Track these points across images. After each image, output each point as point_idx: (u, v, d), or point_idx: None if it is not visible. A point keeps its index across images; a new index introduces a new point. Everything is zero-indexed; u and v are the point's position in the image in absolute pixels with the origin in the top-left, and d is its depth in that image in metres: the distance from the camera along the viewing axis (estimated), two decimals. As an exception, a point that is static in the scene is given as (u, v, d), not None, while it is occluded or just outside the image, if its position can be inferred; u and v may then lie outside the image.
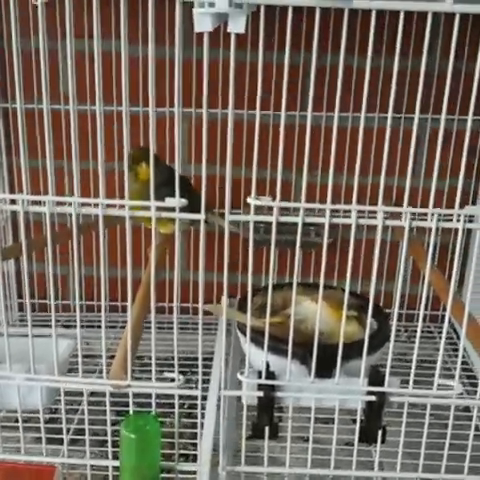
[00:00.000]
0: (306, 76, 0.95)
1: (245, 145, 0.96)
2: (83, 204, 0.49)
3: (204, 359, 0.94)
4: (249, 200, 0.49)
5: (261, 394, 0.55)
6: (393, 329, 0.54)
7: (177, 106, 0.47)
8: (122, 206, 0.50)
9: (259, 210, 0.50)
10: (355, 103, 0.93)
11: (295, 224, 0.49)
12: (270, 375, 0.56)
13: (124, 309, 1.04)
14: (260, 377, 0.55)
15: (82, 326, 0.56)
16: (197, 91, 0.94)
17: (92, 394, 0.63)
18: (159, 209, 0.50)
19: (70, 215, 0.49)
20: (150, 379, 0.57)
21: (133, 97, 0.92)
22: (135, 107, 0.93)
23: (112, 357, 0.56)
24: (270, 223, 0.49)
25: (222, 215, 0.92)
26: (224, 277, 0.54)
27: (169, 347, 0.90)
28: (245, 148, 0.96)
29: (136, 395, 0.57)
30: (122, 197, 0.49)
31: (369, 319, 0.54)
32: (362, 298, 0.72)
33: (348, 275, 0.52)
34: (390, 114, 0.46)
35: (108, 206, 0.49)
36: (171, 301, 1.04)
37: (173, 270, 0.96)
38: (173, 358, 1.07)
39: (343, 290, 0.70)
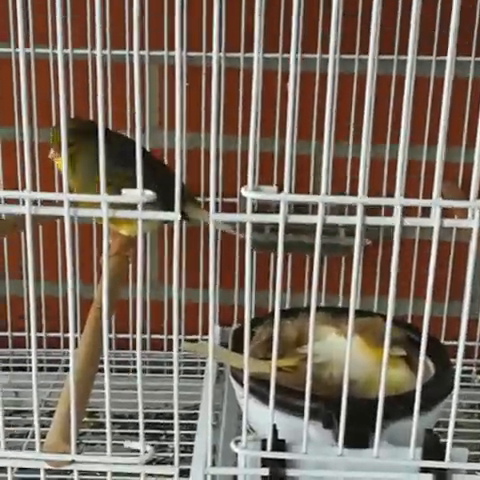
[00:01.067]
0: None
1: (242, 104, 0.96)
2: (6, 200, 0.49)
3: (186, 416, 0.94)
4: (244, 192, 0.49)
5: (266, 473, 0.55)
6: (457, 372, 0.54)
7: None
8: (60, 202, 0.50)
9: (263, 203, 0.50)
10: (401, 41, 0.93)
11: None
12: (279, 444, 0.55)
13: (68, 343, 1.04)
14: (265, 448, 0.55)
15: (6, 369, 0.56)
16: (170, 26, 0.94)
17: (21, 470, 0.63)
18: (113, 206, 0.49)
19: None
20: (104, 450, 0.57)
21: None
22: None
23: (51, 415, 0.56)
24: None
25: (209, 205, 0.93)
26: (210, 299, 0.54)
27: (134, 399, 0.91)
28: (242, 108, 0.96)
29: (84, 473, 0.57)
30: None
31: (422, 360, 0.54)
32: (413, 329, 0.72)
33: (391, 294, 0.52)
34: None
35: (40, 203, 0.49)
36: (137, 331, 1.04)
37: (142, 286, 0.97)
38: (143, 415, 1.08)
39: (384, 317, 0.71)
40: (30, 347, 1.02)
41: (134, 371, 1.03)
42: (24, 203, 0.48)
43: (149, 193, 0.49)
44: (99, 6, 0.44)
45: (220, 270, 0.89)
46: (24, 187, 0.48)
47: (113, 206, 0.49)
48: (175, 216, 0.49)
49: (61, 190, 0.49)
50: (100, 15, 0.44)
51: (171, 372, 1.01)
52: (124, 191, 0.49)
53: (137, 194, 0.49)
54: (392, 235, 0.96)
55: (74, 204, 0.49)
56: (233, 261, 1.01)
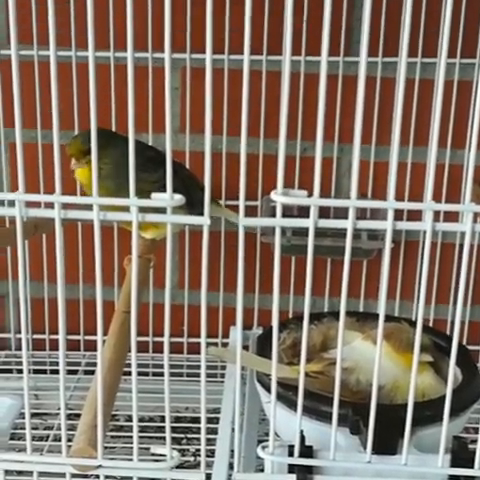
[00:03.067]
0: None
1: (264, 106, 0.96)
2: (29, 203, 0.49)
3: (206, 420, 0.94)
4: (274, 196, 0.49)
5: (293, 479, 0.55)
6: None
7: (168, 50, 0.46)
8: (88, 205, 0.50)
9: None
10: (426, 43, 0.93)
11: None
12: (306, 451, 0.55)
13: (89, 346, 1.04)
14: (292, 454, 0.55)
15: (28, 372, 0.56)
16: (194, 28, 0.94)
17: (42, 475, 0.63)
18: (142, 210, 0.49)
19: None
20: (130, 454, 0.56)
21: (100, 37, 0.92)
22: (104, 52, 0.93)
23: (72, 419, 0.56)
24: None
25: (231, 208, 0.94)
26: (238, 303, 0.53)
27: (155, 402, 0.91)
28: (264, 110, 0.96)
29: (109, 478, 0.57)
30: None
31: (452, 366, 0.53)
32: (438, 334, 0.71)
33: (422, 298, 0.51)
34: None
35: (66, 206, 0.49)
36: (158, 335, 1.04)
37: (161, 290, 0.96)
38: (162, 419, 1.07)
39: (409, 322, 0.71)
40: (51, 349, 1.04)
41: (153, 374, 1.04)
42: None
43: (178, 197, 0.49)
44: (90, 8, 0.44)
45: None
46: (46, 191, 0.48)
47: (141, 210, 0.49)
48: (205, 220, 0.49)
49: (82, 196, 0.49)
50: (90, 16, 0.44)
51: (190, 375, 1.03)
52: (153, 195, 0.49)
53: (166, 198, 0.49)
54: (415, 236, 0.95)
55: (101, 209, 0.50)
56: (253, 264, 1.00)
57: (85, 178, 0.75)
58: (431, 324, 0.99)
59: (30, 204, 0.49)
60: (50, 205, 0.49)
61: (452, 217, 0.57)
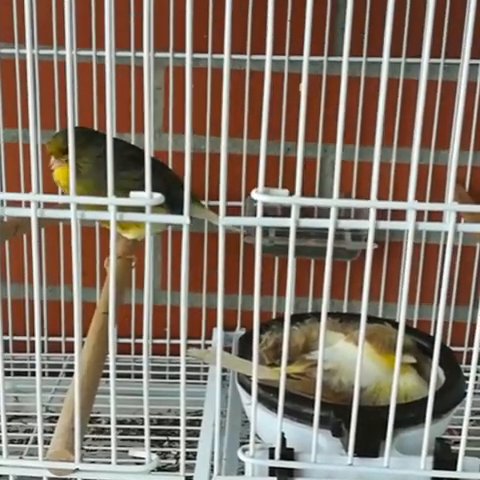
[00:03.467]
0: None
1: (248, 106, 0.95)
2: (10, 202, 0.48)
3: (188, 422, 0.93)
4: (255, 195, 0.48)
5: (274, 482, 0.54)
6: (471, 380, 0.53)
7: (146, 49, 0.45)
8: (65, 205, 0.49)
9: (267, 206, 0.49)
10: (410, 43, 0.92)
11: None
12: (287, 453, 0.54)
13: (71, 348, 1.03)
14: (273, 456, 0.54)
15: (7, 373, 0.55)
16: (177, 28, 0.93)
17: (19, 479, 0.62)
18: (122, 209, 0.48)
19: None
20: (108, 457, 0.56)
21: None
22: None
23: (52, 421, 0.55)
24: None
25: (214, 209, 0.93)
26: (219, 304, 0.52)
27: (137, 405, 0.91)
28: (248, 110, 0.95)
29: (85, 480, 0.56)
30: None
31: (435, 367, 0.53)
32: (421, 335, 0.71)
33: (404, 299, 0.51)
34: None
35: (45, 205, 0.48)
36: (140, 336, 1.03)
37: (142, 290, 0.96)
38: (142, 421, 1.07)
39: (393, 324, 0.71)
40: (31, 352, 1.03)
41: (135, 376, 1.03)
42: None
43: (157, 195, 0.48)
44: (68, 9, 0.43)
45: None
46: (29, 190, 0.48)
47: (121, 209, 0.48)
48: (184, 220, 0.48)
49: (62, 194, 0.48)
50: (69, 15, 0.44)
51: (173, 377, 1.02)
52: (132, 194, 0.48)
53: (145, 196, 0.48)
54: (398, 236, 0.95)
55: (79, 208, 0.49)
56: (237, 265, 1.00)
57: (64, 178, 0.74)
58: (415, 325, 0.99)
59: (11, 204, 0.49)
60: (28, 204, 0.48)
61: (436, 218, 0.57)
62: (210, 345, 0.96)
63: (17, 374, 1.01)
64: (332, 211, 0.48)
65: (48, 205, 0.49)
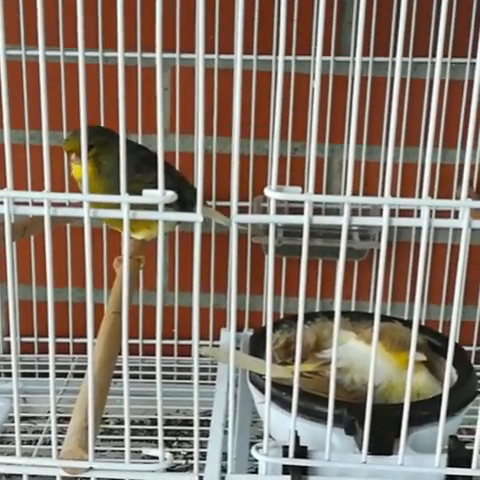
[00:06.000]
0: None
1: (254, 106, 0.95)
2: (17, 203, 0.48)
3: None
4: (267, 192, 0.48)
5: (288, 480, 0.54)
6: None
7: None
8: (78, 203, 0.49)
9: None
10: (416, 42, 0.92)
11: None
12: (301, 451, 0.54)
13: (78, 349, 1.03)
14: (286, 454, 0.54)
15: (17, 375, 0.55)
16: (183, 28, 0.93)
17: (32, 478, 0.62)
18: (133, 207, 0.48)
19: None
20: (120, 458, 0.56)
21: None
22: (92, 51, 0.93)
23: (61, 422, 0.55)
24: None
25: (222, 210, 0.93)
26: (231, 302, 0.52)
27: (145, 405, 0.90)
28: (254, 110, 0.95)
29: (98, 480, 0.56)
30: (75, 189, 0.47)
31: (449, 366, 0.53)
32: (433, 333, 0.71)
33: (417, 296, 0.51)
34: None
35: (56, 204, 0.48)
36: (148, 337, 1.03)
37: (151, 292, 0.96)
38: (152, 421, 1.06)
39: (404, 322, 0.70)
40: (39, 353, 1.03)
41: (143, 377, 1.03)
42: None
43: (170, 193, 0.48)
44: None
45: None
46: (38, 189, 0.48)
47: (133, 207, 0.48)
48: (197, 217, 0.48)
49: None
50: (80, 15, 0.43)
51: (181, 378, 1.02)
52: (145, 192, 0.48)
53: (158, 194, 0.48)
54: (407, 236, 0.94)
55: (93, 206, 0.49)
56: (244, 265, 1.00)
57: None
58: (423, 323, 0.99)
59: (19, 204, 0.49)
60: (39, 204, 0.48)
61: (443, 217, 0.56)
62: (218, 346, 0.95)
63: (25, 375, 1.01)
64: (346, 208, 0.48)
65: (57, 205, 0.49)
